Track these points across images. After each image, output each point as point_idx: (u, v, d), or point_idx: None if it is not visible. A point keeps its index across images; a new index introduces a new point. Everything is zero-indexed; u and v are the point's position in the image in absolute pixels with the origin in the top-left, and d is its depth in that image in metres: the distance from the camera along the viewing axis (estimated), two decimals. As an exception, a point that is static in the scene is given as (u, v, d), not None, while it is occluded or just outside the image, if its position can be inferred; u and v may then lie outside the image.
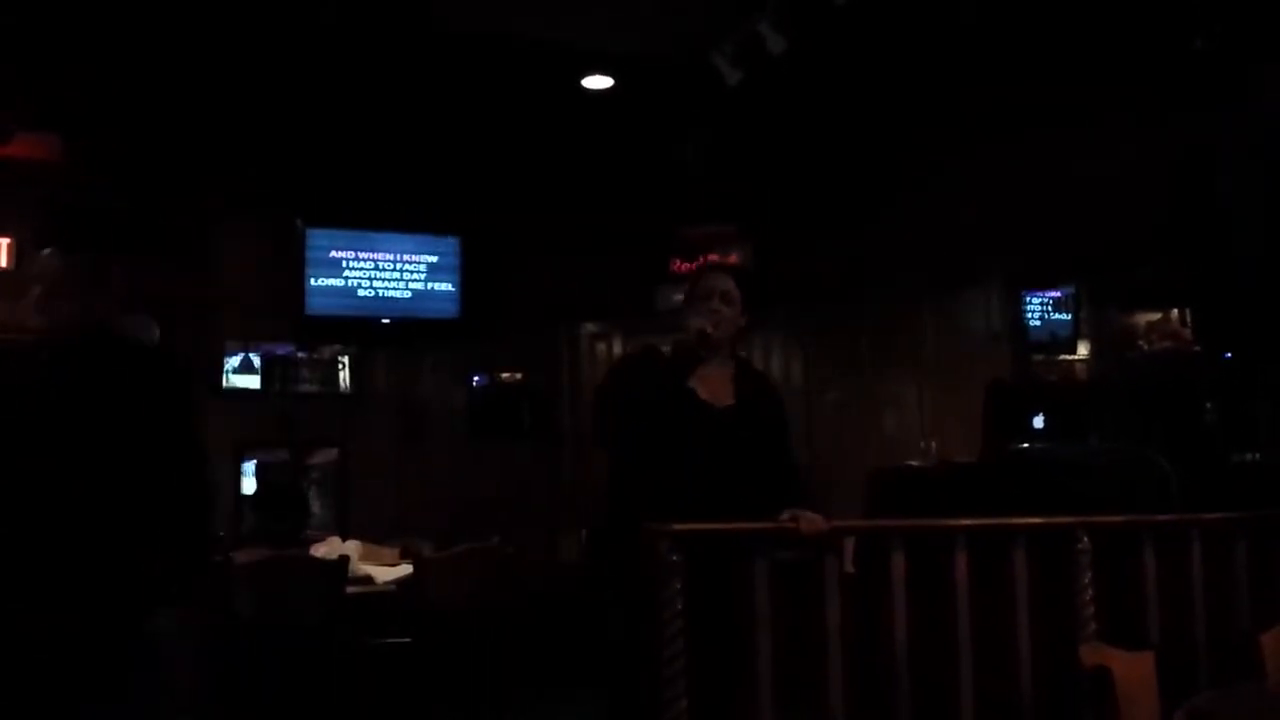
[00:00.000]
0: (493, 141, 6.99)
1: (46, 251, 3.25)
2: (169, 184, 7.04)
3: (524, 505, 7.25)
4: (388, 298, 7.48)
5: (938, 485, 4.85)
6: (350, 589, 4.98)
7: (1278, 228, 4.72)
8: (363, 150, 6.98)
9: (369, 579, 5.24)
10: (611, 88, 6.31)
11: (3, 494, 2.84)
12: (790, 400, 7.49)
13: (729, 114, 6.27)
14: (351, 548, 5.42)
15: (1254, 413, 4.47)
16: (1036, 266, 6.25)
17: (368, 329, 7.49)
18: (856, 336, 7.29)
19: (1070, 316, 6.34)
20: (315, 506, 7.28)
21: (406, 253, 7.54)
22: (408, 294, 7.53)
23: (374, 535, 6.04)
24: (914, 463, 6.11)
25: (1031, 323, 6.41)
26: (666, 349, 3.18)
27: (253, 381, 7.29)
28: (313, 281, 7.27)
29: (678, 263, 7.87)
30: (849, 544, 3.30)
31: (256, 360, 7.31)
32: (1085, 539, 3.31)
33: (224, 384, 7.21)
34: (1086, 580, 3.29)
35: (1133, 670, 2.76)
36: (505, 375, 7.97)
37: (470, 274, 7.62)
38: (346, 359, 7.56)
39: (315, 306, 7.28)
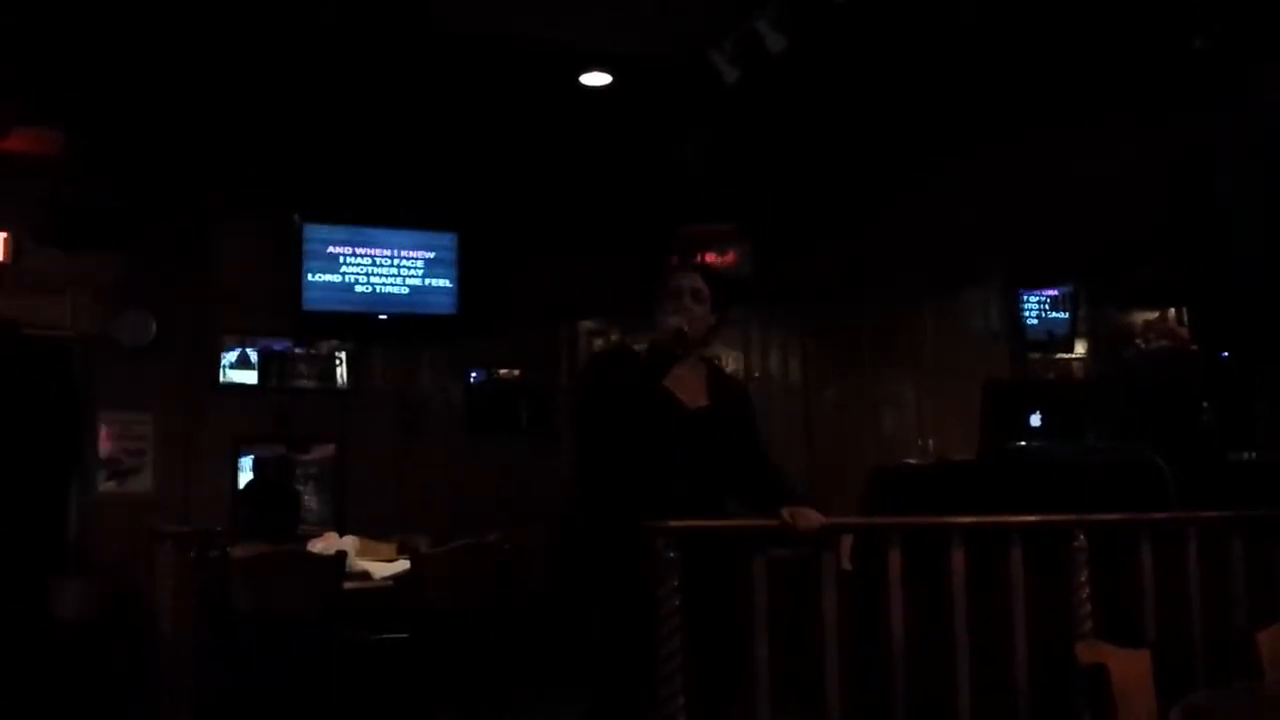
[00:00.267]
0: (491, 138, 6.99)
1: None
2: (167, 180, 7.04)
3: (521, 502, 7.24)
4: (385, 294, 7.48)
5: (935, 483, 4.86)
6: (347, 584, 4.99)
7: (1277, 228, 4.72)
8: (361, 147, 6.98)
9: (366, 574, 5.24)
10: (610, 85, 6.31)
11: None
12: (789, 399, 7.64)
13: (728, 113, 6.27)
14: (349, 543, 5.43)
15: (1251, 412, 4.48)
16: (1034, 266, 6.26)
17: (365, 325, 7.49)
18: (855, 335, 7.29)
19: (1068, 315, 6.35)
20: (313, 502, 7.29)
21: (404, 249, 7.54)
22: (405, 290, 7.53)
23: (371, 531, 6.05)
24: (912, 461, 6.12)
25: (1029, 321, 6.42)
26: (639, 347, 3.18)
27: (250, 377, 7.29)
28: (310, 277, 7.27)
29: (676, 261, 7.86)
30: (846, 541, 3.30)
31: (254, 356, 7.31)
32: (1082, 537, 3.32)
33: (221, 379, 7.21)
34: (1083, 578, 3.30)
35: (1129, 668, 2.76)
36: (503, 372, 7.98)
37: (468, 270, 7.62)
38: (344, 355, 7.56)
39: (313, 302, 7.28)
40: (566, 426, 7.74)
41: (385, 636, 5.03)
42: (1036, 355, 6.36)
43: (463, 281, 7.61)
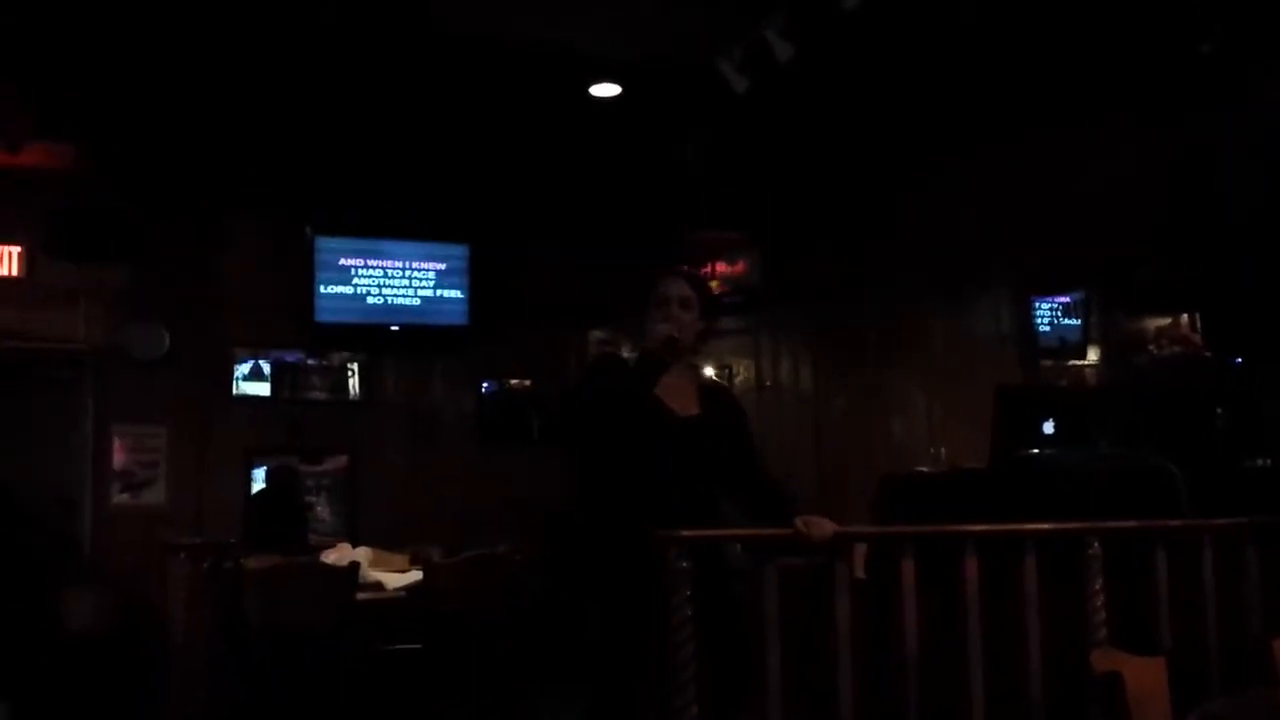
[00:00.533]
0: (501, 149, 7.01)
1: None
2: (179, 193, 7.08)
3: (533, 512, 7.25)
4: (397, 305, 7.50)
5: (947, 491, 4.84)
6: (360, 595, 5.00)
7: (1278, 229, 4.70)
8: (372, 158, 7.01)
9: (379, 585, 5.25)
10: (618, 95, 6.32)
11: None
12: (799, 406, 7.64)
13: (734, 118, 6.27)
14: (362, 554, 5.43)
15: (1265, 418, 4.46)
16: (1045, 271, 6.24)
17: (377, 336, 7.51)
18: (864, 342, 7.28)
19: (1080, 322, 6.32)
20: (325, 513, 7.31)
21: (415, 260, 7.56)
22: (417, 301, 7.55)
23: (384, 541, 6.06)
24: (923, 468, 6.10)
25: (1041, 328, 6.39)
26: (629, 355, 3.18)
27: (263, 388, 7.32)
28: (322, 289, 7.30)
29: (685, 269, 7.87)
30: (861, 550, 3.30)
31: (266, 367, 7.33)
32: (1096, 544, 3.30)
33: (234, 391, 7.24)
34: (1098, 586, 3.28)
35: (1144, 676, 2.75)
36: (514, 382, 7.99)
37: (479, 281, 7.64)
38: (356, 366, 7.58)
39: (325, 314, 7.30)
40: (561, 437, 7.75)
41: (398, 647, 5.03)
42: (1049, 362, 6.33)
43: (473, 292, 7.63)
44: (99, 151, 6.68)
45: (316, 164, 7.00)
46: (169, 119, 6.44)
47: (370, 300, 7.44)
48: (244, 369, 7.27)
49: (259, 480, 7.05)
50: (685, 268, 3.59)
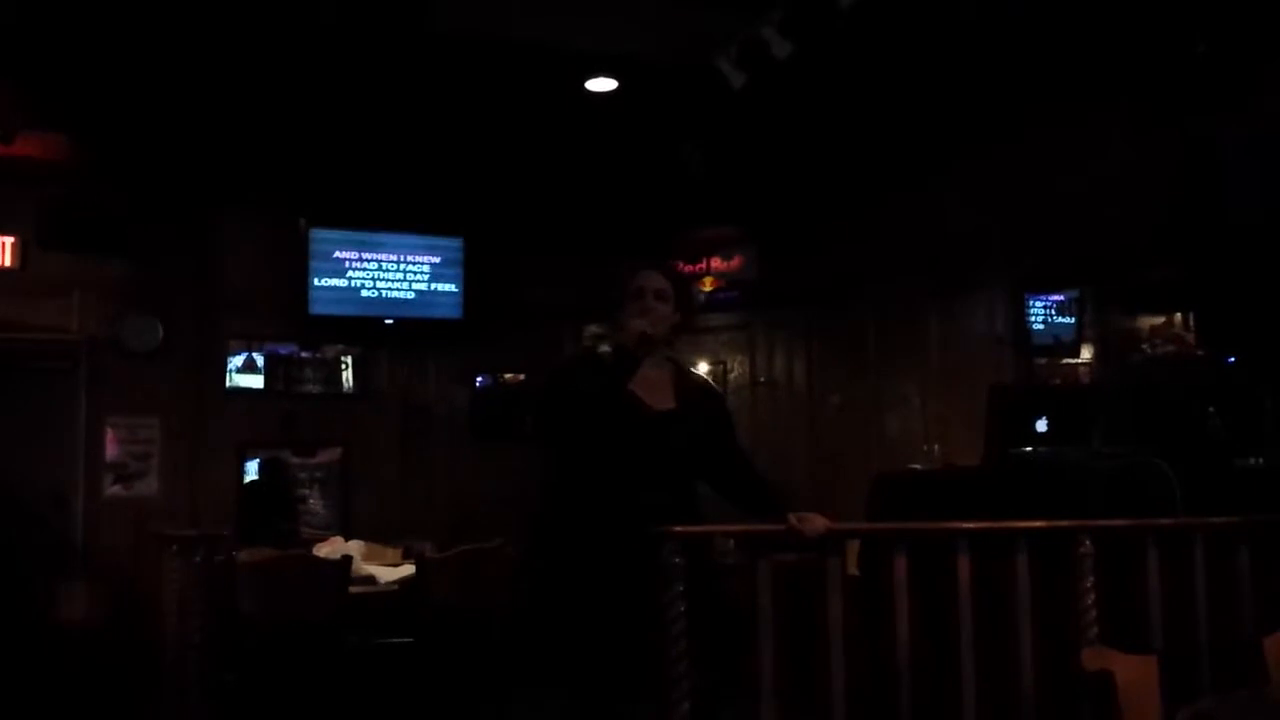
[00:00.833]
0: (496, 143, 6.99)
1: None
2: (173, 184, 7.06)
3: (526, 506, 7.24)
4: (391, 298, 7.49)
5: (941, 488, 4.84)
6: (353, 589, 5.00)
7: (1278, 230, 4.70)
8: (367, 151, 6.99)
9: (372, 579, 5.25)
10: (615, 90, 6.31)
11: None
12: (794, 403, 7.64)
13: (732, 116, 6.26)
14: (354, 548, 5.44)
15: (1258, 417, 4.46)
16: (1039, 270, 6.25)
17: (371, 329, 7.50)
18: (859, 339, 7.29)
19: (1074, 320, 6.33)
20: (318, 506, 7.31)
21: (410, 252, 7.55)
22: (411, 295, 7.54)
23: (377, 535, 6.06)
24: (917, 466, 6.11)
25: (1035, 326, 6.40)
26: (604, 350, 3.16)
27: (256, 381, 7.31)
28: (316, 282, 7.29)
29: (681, 265, 7.88)
30: (852, 546, 3.30)
31: (260, 360, 7.33)
32: (1088, 543, 3.31)
33: (227, 383, 7.23)
34: (1089, 584, 3.28)
35: (1135, 674, 2.75)
36: (508, 376, 7.98)
37: (473, 275, 7.63)
38: (350, 359, 7.58)
39: (319, 307, 7.30)
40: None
41: (391, 641, 5.03)
42: (1043, 360, 6.34)
43: (468, 285, 7.62)
44: (93, 143, 6.67)
45: (311, 156, 6.98)
46: (164, 111, 6.41)
47: (364, 293, 7.43)
48: (237, 361, 7.26)
49: (252, 473, 7.05)
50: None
